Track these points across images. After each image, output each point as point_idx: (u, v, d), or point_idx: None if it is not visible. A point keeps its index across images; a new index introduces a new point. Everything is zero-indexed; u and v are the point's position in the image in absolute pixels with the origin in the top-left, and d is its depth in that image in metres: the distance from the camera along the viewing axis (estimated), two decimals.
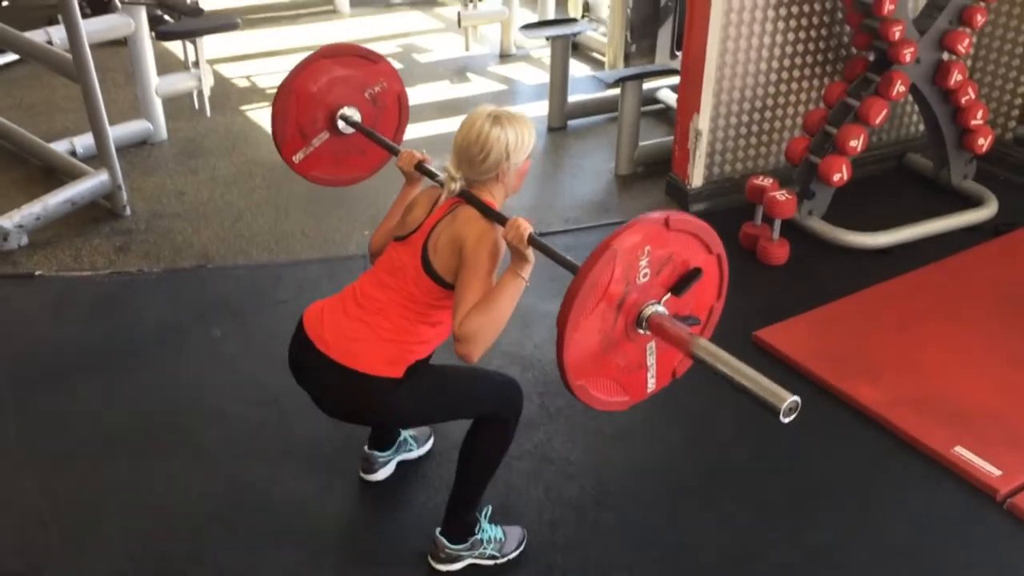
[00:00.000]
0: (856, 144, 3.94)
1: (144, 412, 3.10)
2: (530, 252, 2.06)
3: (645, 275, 1.88)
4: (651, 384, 2.06)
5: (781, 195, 3.96)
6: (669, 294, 1.94)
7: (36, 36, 4.71)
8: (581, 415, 3.10)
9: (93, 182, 4.24)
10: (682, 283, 1.94)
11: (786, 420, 1.74)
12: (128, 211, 4.34)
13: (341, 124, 2.85)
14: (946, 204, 4.41)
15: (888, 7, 3.79)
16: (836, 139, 3.98)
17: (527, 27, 5.77)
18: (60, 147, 4.71)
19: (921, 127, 4.81)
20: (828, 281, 3.88)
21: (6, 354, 3.37)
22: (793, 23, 4.24)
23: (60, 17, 4.00)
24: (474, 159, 2.18)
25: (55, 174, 4.56)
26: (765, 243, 4.03)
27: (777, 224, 4.01)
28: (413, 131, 5.26)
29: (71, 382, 3.23)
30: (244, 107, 5.68)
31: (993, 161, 4.66)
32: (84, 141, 4.73)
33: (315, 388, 2.31)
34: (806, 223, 4.17)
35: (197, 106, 5.23)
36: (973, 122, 4.23)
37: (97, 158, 4.31)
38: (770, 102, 4.42)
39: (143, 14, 4.90)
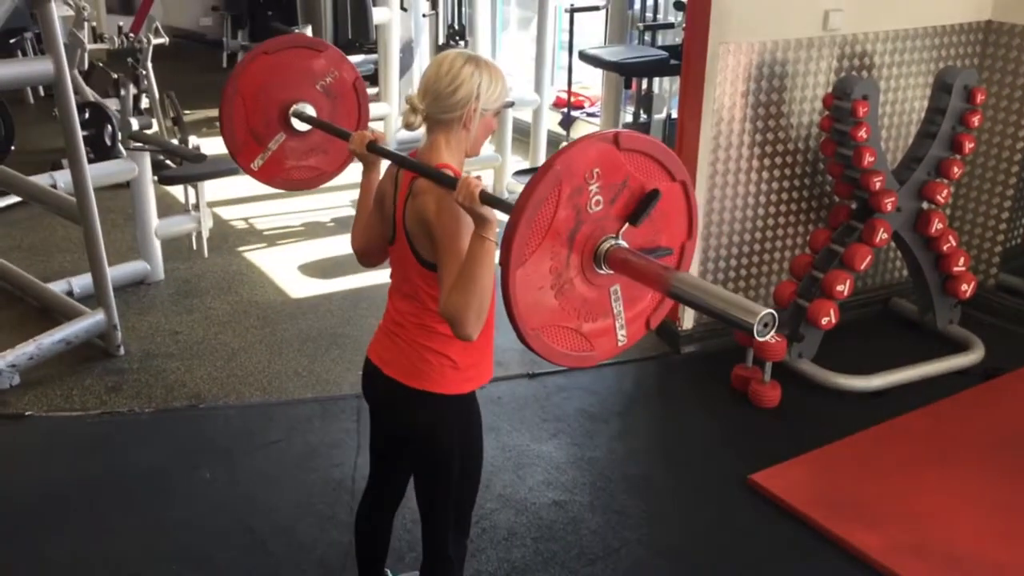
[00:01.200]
0: (843, 289, 4.02)
1: (129, 559, 3.03)
2: (488, 210, 1.84)
3: (597, 202, 1.69)
4: (622, 336, 1.84)
5: (771, 338, 4.00)
6: (627, 225, 1.73)
7: (41, 180, 4.84)
8: (576, 561, 3.05)
9: (89, 322, 4.27)
10: (638, 209, 1.72)
11: (762, 338, 1.60)
12: (122, 351, 4.35)
13: (295, 121, 2.69)
14: (933, 348, 4.46)
15: (868, 159, 3.95)
16: (823, 284, 4.06)
17: (520, 173, 5.96)
18: (57, 287, 4.76)
19: (905, 272, 4.91)
20: (821, 424, 3.89)
21: None
22: (777, 172, 4.40)
23: (65, 162, 4.13)
24: (442, 92, 2.03)
25: (51, 314, 4.59)
26: (757, 386, 4.05)
27: (768, 366, 4.05)
28: None
29: (55, 526, 3.17)
30: (241, 248, 5.77)
31: (977, 306, 4.74)
32: (81, 281, 4.78)
33: (384, 411, 2.36)
34: (797, 366, 4.21)
35: (195, 247, 5.32)
36: (955, 268, 4.33)
37: (94, 298, 4.35)
38: (757, 247, 4.53)
39: (147, 159, 5.04)
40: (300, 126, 2.72)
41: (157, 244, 5.16)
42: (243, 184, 6.06)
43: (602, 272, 1.75)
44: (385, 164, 2.29)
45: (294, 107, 2.68)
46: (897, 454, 3.67)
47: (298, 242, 5.90)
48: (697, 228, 1.89)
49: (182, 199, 5.28)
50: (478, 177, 1.86)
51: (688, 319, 4.49)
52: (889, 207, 4.01)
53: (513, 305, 1.67)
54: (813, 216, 4.61)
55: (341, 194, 6.81)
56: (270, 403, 4.00)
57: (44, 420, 3.82)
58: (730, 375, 4.19)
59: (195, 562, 3.01)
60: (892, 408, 3.99)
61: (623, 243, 1.74)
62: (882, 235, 4.04)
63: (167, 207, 5.55)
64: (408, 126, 2.09)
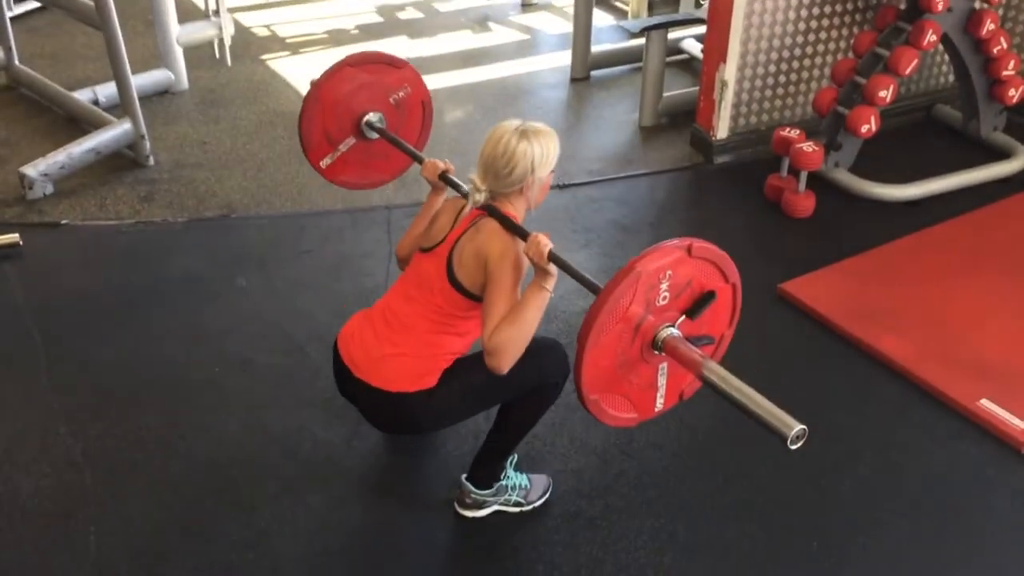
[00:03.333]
0: (886, 95, 3.88)
1: (172, 361, 3.13)
2: (552, 267, 2.10)
3: (664, 298, 1.94)
4: (659, 403, 2.12)
5: (808, 147, 3.91)
6: (683, 316, 1.99)
7: None
8: None
9: (116, 131, 4.24)
10: (696, 306, 2.00)
11: (793, 447, 1.79)
12: (151, 161, 4.34)
13: (366, 129, 2.89)
14: (975, 156, 4.35)
15: None
16: (865, 89, 3.92)
17: None
18: (83, 96, 4.71)
19: (951, 78, 4.73)
20: (854, 234, 3.85)
21: (35, 302, 3.40)
22: None
23: None
24: (500, 172, 2.21)
25: (78, 123, 4.57)
26: (791, 195, 3.99)
27: (803, 176, 3.98)
28: (437, 81, 5.24)
29: (100, 331, 3.26)
30: (265, 56, 5.65)
31: None
32: (106, 90, 4.72)
33: (359, 406, 2.39)
34: (833, 175, 4.13)
35: (218, 55, 5.20)
36: (1004, 73, 4.16)
37: (120, 107, 4.31)
38: (798, 52, 4.36)
39: None
40: (370, 133, 2.90)
41: (179, 52, 5.06)
42: None
43: (656, 354, 2.00)
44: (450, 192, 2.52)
45: (367, 116, 2.87)
46: (930, 263, 3.65)
47: (322, 49, 5.76)
48: (737, 319, 2.16)
49: (201, 4, 5.11)
50: (547, 234, 2.11)
51: (723, 128, 4.38)
52: (940, 6, 3.81)
53: (582, 376, 1.91)
54: (859, 18, 4.40)
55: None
56: (301, 213, 4.01)
57: (80, 229, 3.87)
58: (764, 185, 4.13)
59: (236, 364, 3.10)
60: (929, 217, 3.94)
61: (677, 332, 1.98)
62: (931, 37, 3.85)
63: (187, 13, 5.39)
64: (476, 204, 2.24)
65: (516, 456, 2.60)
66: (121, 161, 4.34)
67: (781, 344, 3.28)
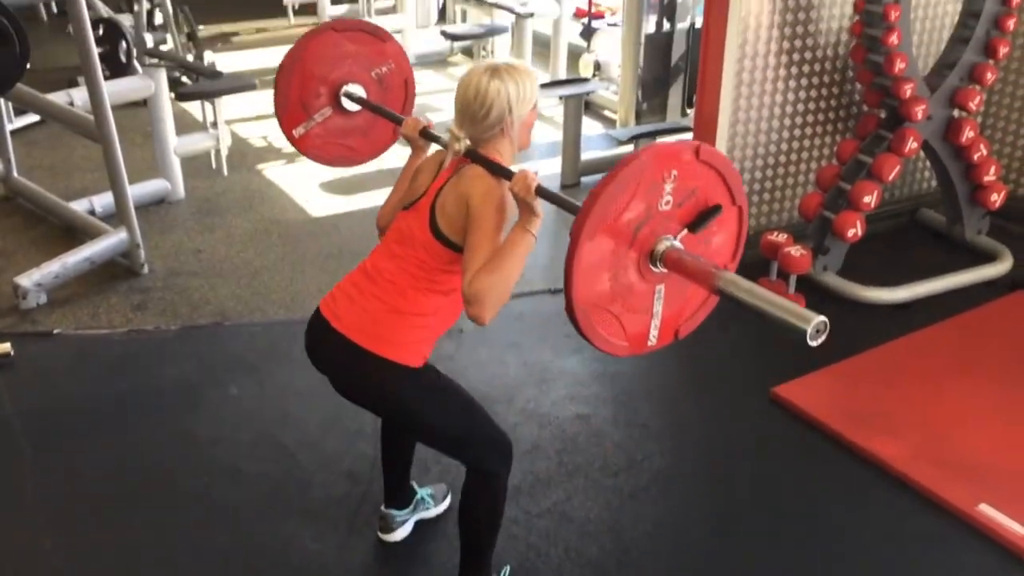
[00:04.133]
0: (870, 200, 3.96)
1: (161, 470, 3.09)
2: (538, 205, 1.95)
3: (667, 203, 1.78)
4: (653, 336, 1.94)
5: (796, 251, 3.96)
6: (686, 230, 1.83)
7: (58, 98, 4.80)
8: (599, 473, 3.08)
9: (112, 241, 4.28)
10: (700, 219, 1.83)
11: (814, 343, 1.66)
12: (146, 269, 4.37)
13: (345, 101, 2.75)
14: (961, 259, 4.41)
15: (899, 66, 3.84)
16: (850, 195, 4.00)
17: (540, 86, 5.84)
18: (79, 206, 4.77)
19: (933, 182, 4.83)
20: (845, 336, 3.84)
21: (24, 412, 3.37)
22: (804, 81, 4.29)
23: (82, 79, 4.08)
24: (476, 116, 2.10)
25: (74, 233, 4.62)
26: None
27: (792, 279, 4.01)
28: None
29: (89, 441, 3.23)
30: (260, 166, 5.75)
31: (1006, 216, 4.66)
32: (103, 200, 4.79)
33: (330, 367, 2.27)
34: (822, 279, 4.17)
35: (214, 165, 5.30)
36: (986, 178, 4.25)
37: (116, 217, 4.36)
38: (783, 158, 4.46)
39: (163, 76, 4.99)
40: (350, 106, 2.78)
41: (176, 162, 5.15)
42: (260, 101, 6.02)
43: (656, 270, 1.84)
44: (432, 150, 2.37)
45: (346, 87, 2.75)
46: (921, 365, 3.65)
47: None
48: (741, 253, 1.99)
49: (200, 116, 5.23)
50: (535, 171, 1.96)
51: None
52: (920, 115, 3.92)
53: (573, 276, 1.74)
54: (841, 126, 4.52)
55: None
56: (294, 320, 4.02)
57: (72, 338, 3.86)
58: None
59: (226, 473, 3.06)
60: (917, 320, 3.96)
61: (679, 244, 1.82)
62: (912, 144, 3.95)
63: (185, 125, 5.51)
64: (456, 154, 2.15)
65: (509, 568, 2.55)
66: (116, 270, 4.37)
67: (776, 448, 3.26)
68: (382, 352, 2.14)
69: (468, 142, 2.15)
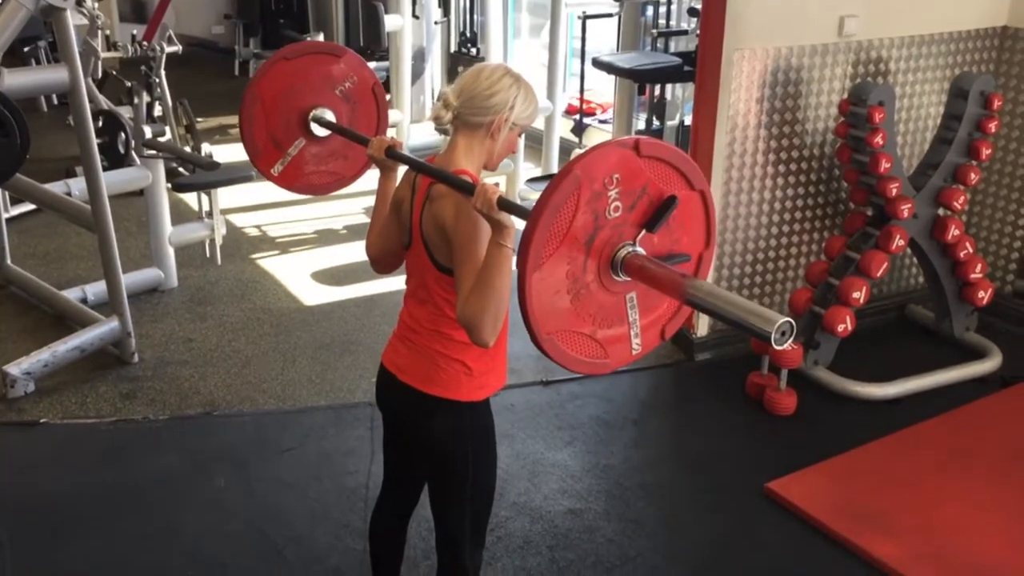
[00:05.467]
0: (859, 296, 4.00)
1: (147, 566, 3.03)
2: (505, 216, 1.84)
3: (616, 208, 1.67)
4: (636, 345, 1.83)
5: (788, 346, 3.98)
6: (644, 232, 1.72)
7: (56, 187, 4.86)
8: (592, 570, 3.03)
9: (103, 329, 4.27)
10: (656, 216, 1.71)
11: (780, 347, 1.59)
12: (136, 358, 4.35)
13: (315, 127, 2.69)
14: (950, 355, 4.43)
15: (884, 165, 3.93)
16: (839, 290, 4.04)
17: (532, 180, 5.95)
18: (72, 295, 4.77)
19: (921, 279, 4.88)
20: (837, 431, 3.86)
21: (9, 503, 3.32)
22: (792, 179, 4.38)
23: (80, 169, 4.13)
24: (478, 94, 2.05)
25: (65, 321, 4.60)
26: (772, 393, 4.02)
27: (784, 374, 4.02)
28: None
29: (70, 535, 3.17)
30: (255, 255, 5.78)
31: (994, 313, 4.71)
32: (95, 289, 4.79)
33: (399, 419, 2.33)
34: (813, 373, 4.18)
35: (208, 254, 5.32)
36: (972, 275, 4.30)
37: (108, 305, 4.36)
38: (772, 254, 4.51)
39: (161, 167, 5.06)
40: (320, 131, 2.71)
41: (171, 251, 5.17)
42: (256, 191, 6.09)
43: (619, 279, 1.74)
44: (403, 170, 2.28)
45: (313, 112, 2.68)
46: (915, 463, 3.64)
47: (311, 249, 5.90)
48: (715, 236, 1.88)
49: (195, 206, 5.28)
50: (496, 184, 1.87)
51: (703, 326, 4.47)
52: (905, 213, 3.99)
53: (528, 309, 1.66)
54: (828, 223, 4.59)
55: (354, 201, 6.80)
56: (284, 411, 4.00)
57: (59, 427, 3.82)
58: (745, 382, 4.17)
59: (209, 569, 3.00)
60: (909, 416, 3.96)
61: (640, 250, 1.72)
62: (898, 242, 4.01)
63: (181, 214, 5.56)
64: (437, 120, 2.09)
65: None
66: (105, 358, 4.34)
67: (770, 544, 3.22)
68: (443, 393, 2.18)
69: (453, 115, 2.08)
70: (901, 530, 3.21)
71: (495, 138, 2.10)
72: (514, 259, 1.80)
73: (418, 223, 2.13)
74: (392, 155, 2.29)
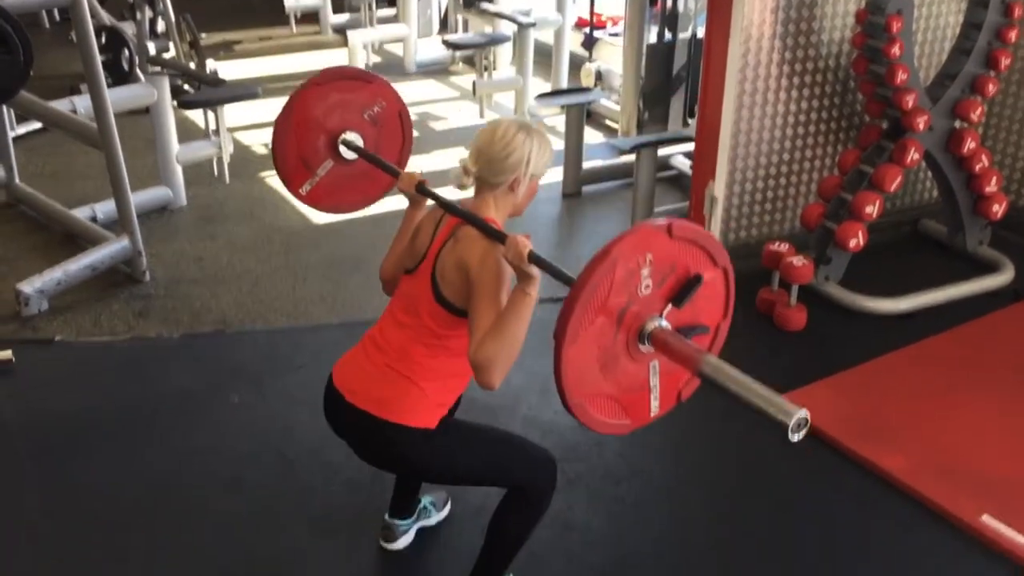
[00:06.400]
0: (872, 210, 3.96)
1: (163, 481, 3.08)
2: (533, 268, 1.96)
3: (647, 286, 1.79)
4: (654, 407, 1.95)
5: (797, 261, 3.97)
6: (670, 306, 1.84)
7: (61, 105, 4.81)
8: (601, 482, 3.07)
9: (114, 248, 4.28)
10: (682, 293, 1.83)
11: (795, 438, 1.68)
12: (148, 276, 4.37)
13: (343, 150, 2.79)
14: (962, 269, 4.41)
15: (901, 77, 3.84)
16: (852, 205, 4.00)
17: (542, 96, 5.86)
18: (81, 213, 4.77)
19: (935, 193, 4.83)
20: (847, 347, 3.87)
21: (26, 421, 3.37)
22: (807, 91, 4.30)
23: (84, 87, 4.09)
24: (495, 157, 2.14)
25: (76, 240, 4.61)
26: (782, 309, 4.02)
27: (794, 290, 4.02)
28: None
29: (89, 449, 3.22)
30: (262, 174, 5.75)
31: (1008, 227, 4.66)
32: (105, 207, 4.79)
33: (351, 439, 2.30)
34: (824, 289, 4.17)
35: (216, 173, 5.30)
36: (987, 189, 4.25)
37: (118, 224, 4.36)
38: (785, 169, 4.46)
39: (166, 84, 5.00)
40: (348, 154, 2.81)
41: (179, 170, 5.15)
42: (263, 108, 6.03)
43: (644, 349, 1.84)
44: (429, 203, 2.39)
45: (343, 136, 2.78)
46: (924, 376, 3.65)
47: None
48: (732, 309, 1.99)
49: (202, 124, 5.24)
50: (526, 236, 1.98)
51: None
52: (921, 126, 3.92)
53: (563, 378, 1.76)
54: (843, 136, 4.52)
55: None
56: (296, 328, 4.02)
57: (73, 345, 3.86)
58: (755, 298, 4.17)
59: (225, 483, 3.06)
60: (920, 331, 3.96)
61: (666, 324, 1.83)
62: (913, 155, 3.96)
63: (187, 132, 5.51)
64: (460, 187, 2.19)
65: None
66: (117, 277, 4.36)
67: (777, 458, 3.25)
68: (398, 420, 2.17)
69: (474, 180, 2.18)
70: (908, 442, 3.24)
71: (516, 191, 2.19)
72: (532, 305, 1.96)
73: (434, 255, 2.18)
74: (422, 191, 2.40)
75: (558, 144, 6.16)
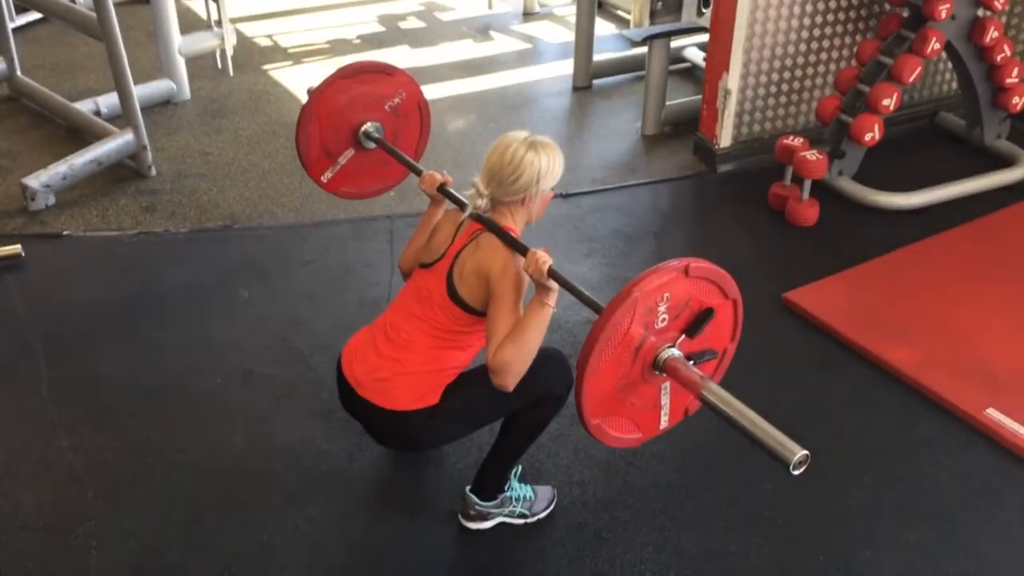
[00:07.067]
0: (889, 103, 3.87)
1: (175, 372, 3.11)
2: (551, 282, 2.08)
3: (663, 320, 1.93)
4: (664, 422, 2.11)
5: (811, 155, 3.90)
6: (683, 336, 1.98)
7: None
8: None
9: (118, 142, 4.23)
10: (695, 325, 1.98)
11: (796, 472, 1.78)
12: (153, 171, 4.34)
13: (364, 140, 2.89)
14: (980, 163, 4.34)
15: None
16: (868, 98, 3.91)
17: None
18: (84, 107, 4.70)
19: (954, 85, 4.72)
20: (859, 242, 3.84)
21: (36, 314, 3.39)
22: None
23: None
24: (505, 179, 2.20)
25: (80, 134, 4.56)
26: (794, 203, 3.98)
27: (807, 184, 3.96)
28: (439, 91, 5.25)
29: (101, 342, 3.25)
30: (267, 66, 5.65)
31: None
32: (108, 101, 4.72)
33: (364, 423, 2.38)
34: (836, 183, 4.12)
35: (220, 65, 5.20)
36: (1008, 80, 4.14)
37: (122, 118, 4.30)
38: (801, 60, 4.35)
39: None
40: (368, 144, 2.90)
41: (181, 62, 5.05)
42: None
43: (657, 375, 1.99)
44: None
45: (364, 127, 2.86)
46: (935, 271, 3.63)
47: (324, 59, 5.76)
48: (739, 335, 2.14)
49: (203, 15, 5.11)
50: (546, 249, 2.09)
51: (726, 137, 4.37)
52: (943, 14, 3.80)
53: (584, 403, 1.90)
54: (861, 27, 4.39)
55: (366, 8, 6.58)
56: (303, 224, 4.01)
57: (81, 239, 3.86)
58: (767, 193, 4.12)
59: (238, 375, 3.09)
60: (934, 226, 3.92)
61: (677, 352, 1.96)
62: (934, 45, 3.85)
63: (189, 24, 5.39)
64: (476, 208, 2.23)
65: (520, 467, 2.58)
66: (123, 172, 4.33)
67: (786, 354, 3.26)
68: (404, 407, 2.23)
69: (488, 200, 2.23)
70: (918, 337, 3.24)
71: (529, 205, 2.25)
72: (549, 315, 2.10)
73: (452, 256, 2.25)
74: (444, 192, 2.49)
75: (568, 36, 6.01)
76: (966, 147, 4.54)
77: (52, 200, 4.06)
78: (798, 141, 4.03)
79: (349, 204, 4.10)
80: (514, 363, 2.07)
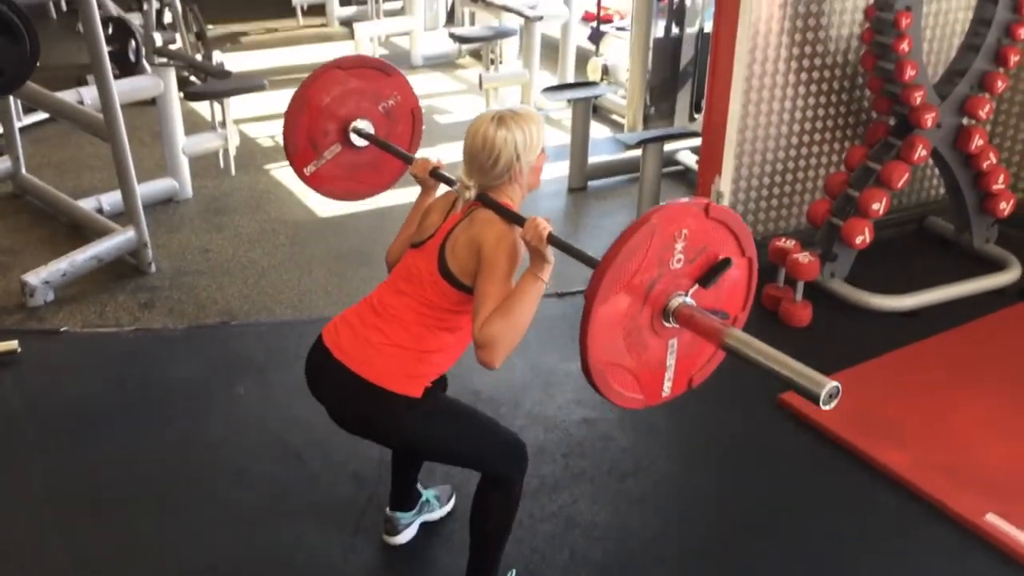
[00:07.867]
0: (879, 207, 3.95)
1: (168, 470, 3.09)
2: (549, 252, 2.00)
3: (679, 260, 1.83)
4: (667, 387, 2.00)
5: (803, 257, 3.96)
6: (697, 286, 1.88)
7: (68, 96, 4.81)
8: (605, 476, 3.08)
9: (120, 239, 4.29)
10: (711, 273, 1.88)
11: (827, 407, 1.70)
12: (153, 268, 4.38)
13: (354, 137, 2.81)
14: (968, 267, 4.40)
15: (909, 73, 3.83)
16: (858, 202, 3.99)
17: (548, 90, 5.84)
18: (87, 204, 4.78)
19: (942, 190, 4.82)
20: (852, 344, 3.86)
21: (31, 409, 3.38)
22: (814, 87, 4.29)
23: (91, 78, 4.09)
24: (484, 165, 2.14)
25: (82, 231, 4.62)
26: (788, 305, 4.02)
27: (800, 286, 4.01)
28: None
29: (95, 438, 3.23)
30: (268, 166, 5.76)
31: (1015, 225, 4.65)
32: (111, 198, 4.80)
33: (331, 399, 2.25)
34: (829, 285, 4.17)
35: (222, 165, 5.30)
36: (995, 186, 4.24)
37: (124, 215, 4.37)
38: (791, 164, 4.45)
39: (172, 76, 5.00)
40: (358, 141, 2.82)
41: (185, 162, 5.16)
42: (269, 101, 6.03)
43: (668, 325, 1.88)
44: (441, 189, 2.41)
45: (355, 123, 2.79)
46: (929, 374, 3.64)
47: None
48: (751, 303, 2.05)
49: (208, 116, 5.24)
50: (546, 218, 2.00)
51: None
52: (929, 122, 3.91)
53: (588, 336, 1.78)
54: (850, 133, 4.51)
55: None
56: (301, 320, 4.03)
57: (79, 336, 3.87)
58: (761, 294, 4.16)
59: (232, 474, 3.06)
60: (925, 328, 3.95)
61: (691, 301, 1.86)
62: (921, 152, 3.95)
63: (194, 125, 5.52)
64: (467, 202, 2.18)
65: (515, 572, 2.55)
66: (122, 268, 4.37)
67: (782, 454, 3.25)
68: (383, 383, 2.13)
69: (476, 190, 2.17)
70: (913, 440, 3.23)
71: (518, 180, 2.19)
72: (542, 290, 2.01)
73: (444, 233, 2.17)
74: (436, 176, 2.43)
75: (564, 139, 6.16)
76: (955, 250, 4.60)
77: (51, 296, 4.08)
78: (790, 243, 4.09)
79: (348, 300, 4.13)
80: (502, 338, 1.96)
